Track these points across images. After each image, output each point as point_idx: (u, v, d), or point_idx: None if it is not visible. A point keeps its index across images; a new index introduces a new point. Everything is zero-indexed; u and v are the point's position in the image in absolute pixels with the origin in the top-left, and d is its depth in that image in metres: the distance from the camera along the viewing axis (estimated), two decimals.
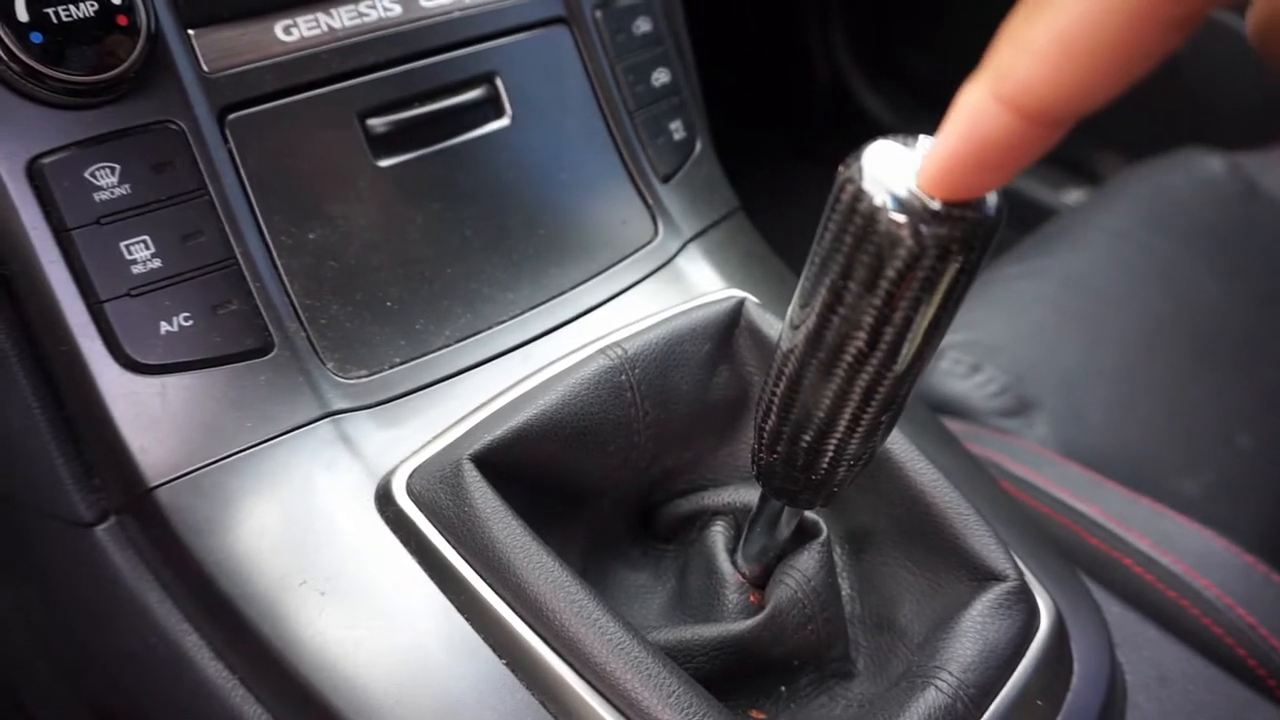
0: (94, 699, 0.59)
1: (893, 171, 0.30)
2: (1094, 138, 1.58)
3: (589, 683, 0.42)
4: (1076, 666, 0.50)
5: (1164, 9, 0.24)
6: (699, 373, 0.54)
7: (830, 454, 0.37)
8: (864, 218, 0.30)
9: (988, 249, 0.31)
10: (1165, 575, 0.65)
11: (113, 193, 0.46)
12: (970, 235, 0.30)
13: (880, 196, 0.30)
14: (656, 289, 0.61)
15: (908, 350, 0.33)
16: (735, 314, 0.55)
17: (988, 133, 0.27)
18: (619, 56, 0.64)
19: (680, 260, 0.63)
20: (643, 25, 0.66)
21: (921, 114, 1.78)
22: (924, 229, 0.30)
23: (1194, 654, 0.61)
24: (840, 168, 0.31)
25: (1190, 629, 0.63)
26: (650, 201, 0.64)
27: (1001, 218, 0.31)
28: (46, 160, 0.45)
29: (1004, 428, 0.88)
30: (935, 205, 0.29)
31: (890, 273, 0.31)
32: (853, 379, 0.34)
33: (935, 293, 0.31)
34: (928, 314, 0.32)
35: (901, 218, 0.30)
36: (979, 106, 0.27)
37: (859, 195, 0.30)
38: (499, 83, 0.60)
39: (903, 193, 0.30)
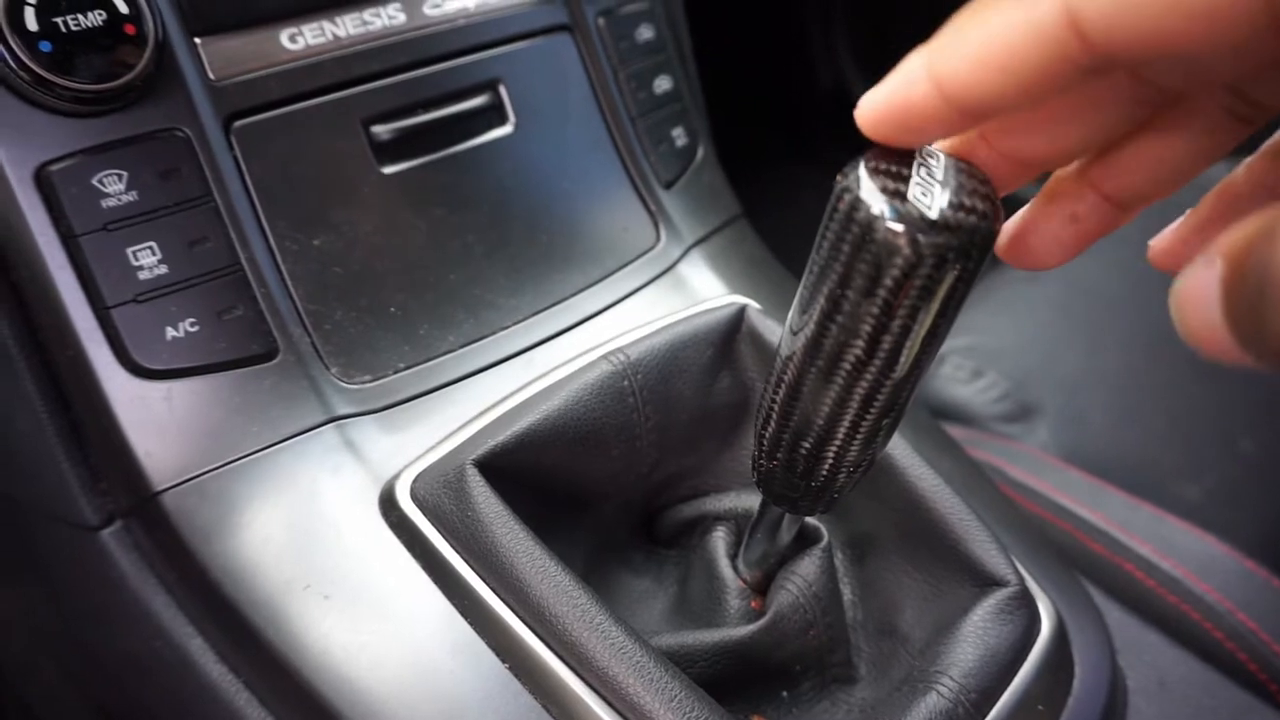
0: (99, 701, 0.59)
1: (891, 180, 0.31)
2: None
3: (591, 687, 0.42)
4: (1077, 671, 0.50)
5: (1073, 53, 0.25)
6: (701, 378, 0.54)
7: (830, 461, 0.38)
8: (861, 226, 0.30)
9: (985, 257, 0.31)
10: (1167, 580, 0.65)
11: (120, 199, 0.47)
12: (968, 244, 0.30)
13: (877, 206, 0.30)
14: (659, 295, 0.61)
15: (906, 358, 0.33)
16: (737, 320, 0.56)
17: (913, 99, 0.29)
18: (621, 64, 0.64)
19: (682, 266, 0.63)
20: (645, 32, 0.66)
21: None
22: (921, 238, 0.30)
23: (1195, 659, 0.61)
24: (838, 176, 0.32)
25: (1191, 634, 0.63)
26: (652, 208, 0.65)
27: (1000, 227, 0.31)
28: (55, 167, 0.46)
29: (1005, 433, 0.89)
30: (933, 214, 0.30)
31: (888, 281, 0.31)
32: (851, 386, 0.34)
33: (933, 301, 0.32)
34: (926, 322, 0.32)
35: (899, 227, 0.30)
36: (912, 73, 0.29)
37: (856, 204, 0.31)
38: (502, 90, 0.60)
39: (900, 202, 0.30)
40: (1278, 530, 0.87)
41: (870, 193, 0.30)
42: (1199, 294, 0.24)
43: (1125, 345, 0.98)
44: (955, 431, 0.86)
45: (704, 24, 0.91)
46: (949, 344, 0.95)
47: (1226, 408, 0.95)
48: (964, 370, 0.92)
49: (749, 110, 1.88)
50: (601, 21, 0.64)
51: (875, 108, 0.30)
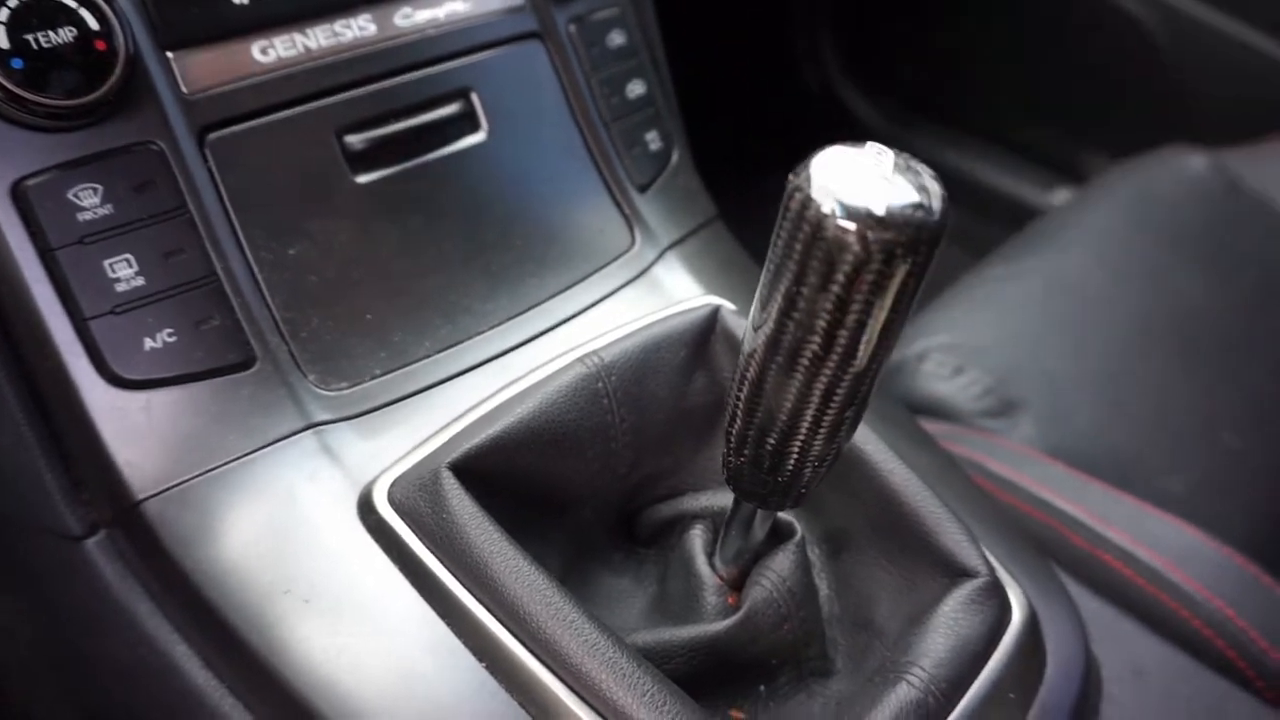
0: (89, 708, 0.59)
1: (840, 179, 0.31)
2: (1078, 137, 1.58)
3: (566, 684, 0.42)
4: (1050, 660, 0.51)
5: None
6: (675, 379, 0.55)
7: (795, 455, 0.38)
8: (812, 225, 0.31)
9: (935, 252, 0.32)
10: (1144, 570, 0.66)
11: (95, 213, 0.47)
12: (916, 239, 0.31)
13: (828, 204, 0.31)
14: (634, 297, 0.62)
15: (864, 351, 0.34)
16: (711, 321, 0.56)
17: None
18: (593, 70, 0.65)
19: (657, 268, 0.64)
20: (616, 38, 0.67)
21: (910, 120, 1.79)
22: (870, 234, 0.31)
23: (1171, 647, 0.61)
24: (790, 176, 0.32)
25: (1168, 622, 0.63)
26: (627, 211, 0.65)
27: (947, 222, 0.32)
28: (30, 182, 0.46)
29: (988, 428, 0.89)
30: (880, 211, 0.30)
31: (840, 277, 0.32)
32: (811, 381, 0.35)
33: (886, 295, 0.32)
34: (880, 316, 0.33)
35: (849, 224, 0.31)
36: None
37: (807, 203, 0.31)
38: (474, 98, 0.61)
39: (850, 200, 0.31)
40: (1261, 523, 0.88)
41: (821, 191, 0.31)
42: None
43: (1110, 340, 0.99)
44: (937, 427, 0.86)
45: (691, 29, 0.92)
46: (931, 340, 0.96)
47: (1212, 401, 0.95)
48: (946, 367, 0.93)
49: (738, 115, 1.89)
50: (572, 28, 0.65)
51: None
